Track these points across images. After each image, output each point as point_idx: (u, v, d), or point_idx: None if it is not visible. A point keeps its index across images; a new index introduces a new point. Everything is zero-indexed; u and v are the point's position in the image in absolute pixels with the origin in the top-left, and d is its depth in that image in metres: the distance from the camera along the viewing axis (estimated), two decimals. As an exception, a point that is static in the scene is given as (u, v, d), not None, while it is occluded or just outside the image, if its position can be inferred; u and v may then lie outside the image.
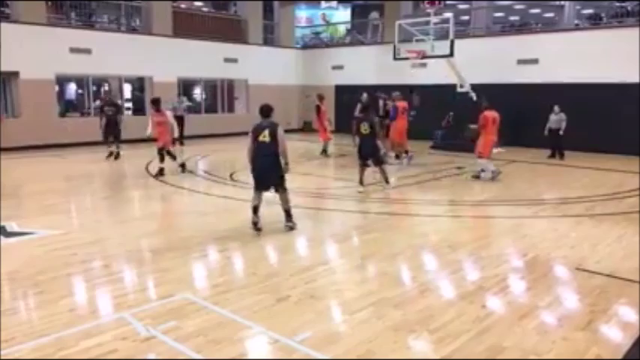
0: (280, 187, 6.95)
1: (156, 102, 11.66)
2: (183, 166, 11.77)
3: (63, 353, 3.66)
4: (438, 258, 5.98)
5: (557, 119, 14.00)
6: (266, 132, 6.75)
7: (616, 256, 5.96)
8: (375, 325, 4.12)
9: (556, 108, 14.05)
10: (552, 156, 14.35)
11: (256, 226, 6.84)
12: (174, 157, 11.61)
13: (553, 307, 4.52)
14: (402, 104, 13.23)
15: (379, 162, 9.75)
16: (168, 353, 3.68)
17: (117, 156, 13.83)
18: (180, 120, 17.55)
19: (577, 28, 17.89)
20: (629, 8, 16.92)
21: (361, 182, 9.78)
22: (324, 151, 14.78)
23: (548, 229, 7.21)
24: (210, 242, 6.50)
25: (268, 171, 6.86)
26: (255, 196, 6.93)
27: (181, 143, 17.47)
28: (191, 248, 6.20)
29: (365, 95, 14.10)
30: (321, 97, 14.85)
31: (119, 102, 17.21)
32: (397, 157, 13.44)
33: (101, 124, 13.72)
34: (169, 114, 11.66)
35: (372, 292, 4.83)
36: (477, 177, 11.04)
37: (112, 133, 13.79)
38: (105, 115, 13.65)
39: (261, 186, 6.93)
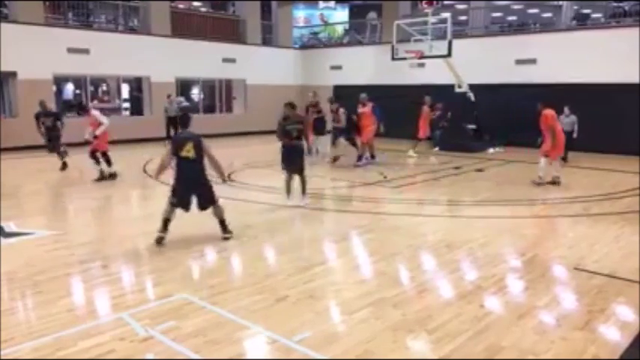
0: (213, 204, 6.45)
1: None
2: (113, 175, 10.81)
3: (61, 353, 3.66)
4: (436, 258, 5.99)
5: (569, 122, 13.18)
6: (189, 145, 6.12)
7: (614, 255, 5.97)
8: (374, 325, 4.12)
9: (566, 110, 13.23)
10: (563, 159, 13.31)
11: (161, 242, 6.22)
12: (108, 162, 10.82)
13: (551, 307, 4.53)
14: (372, 104, 13.04)
15: (300, 172, 8.52)
16: (166, 353, 3.68)
17: (63, 166, 12.08)
18: (173, 121, 16.99)
19: (575, 28, 17.93)
20: (626, 8, 16.97)
21: (288, 191, 8.63)
22: (312, 151, 14.72)
23: (546, 228, 7.22)
24: (209, 242, 6.49)
25: (197, 191, 6.30)
26: (170, 210, 6.27)
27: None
28: (189, 248, 6.19)
29: (311, 94, 14.56)
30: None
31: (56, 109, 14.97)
32: (372, 156, 13.29)
33: (41, 132, 12.14)
34: (95, 114, 10.62)
35: (371, 292, 4.83)
36: (538, 183, 10.21)
37: (55, 143, 12.18)
38: (43, 126, 12.01)
39: (182, 205, 6.30)
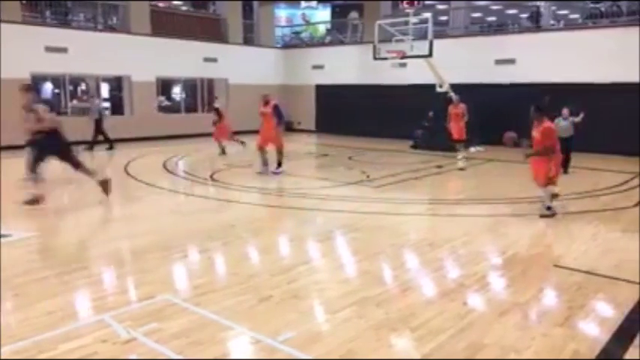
0: None
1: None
2: None
3: (42, 357, 3.60)
4: (419, 256, 6.03)
5: (567, 126, 11.27)
6: None
7: (592, 253, 6.08)
8: (357, 324, 4.13)
9: (565, 112, 11.39)
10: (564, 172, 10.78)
11: None
12: None
13: (532, 304, 4.60)
14: (274, 103, 11.35)
15: None
16: (149, 355, 3.64)
17: None
18: (97, 124, 15.77)
19: (552, 28, 18.21)
20: (602, 9, 17.28)
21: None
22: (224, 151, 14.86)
23: (526, 227, 7.31)
24: (191, 243, 6.45)
25: None
26: None
27: (91, 148, 15.60)
28: (172, 249, 6.14)
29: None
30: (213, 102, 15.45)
31: None
32: (265, 164, 11.53)
33: None
34: None
35: (354, 291, 4.84)
36: (549, 214, 7.78)
37: None
38: None
39: None
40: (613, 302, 4.61)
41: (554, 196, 7.83)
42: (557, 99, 14.65)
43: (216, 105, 15.76)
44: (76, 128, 15.84)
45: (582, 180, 10.90)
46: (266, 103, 11.38)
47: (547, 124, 7.61)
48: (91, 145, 15.76)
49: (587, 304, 4.55)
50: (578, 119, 11.25)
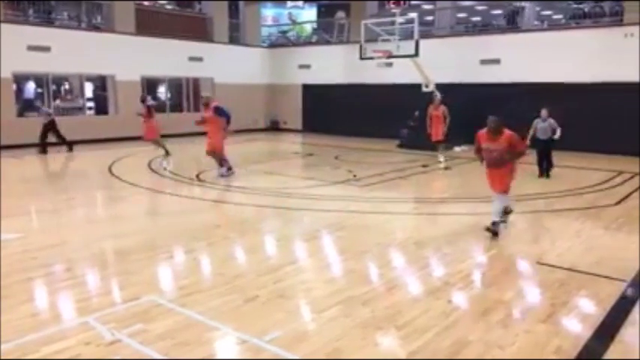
0: None
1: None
2: None
3: (25, 359, 3.57)
4: (404, 255, 6.06)
5: (545, 127, 10.91)
6: None
7: (575, 250, 6.16)
8: (344, 323, 4.15)
9: (544, 113, 10.97)
10: (542, 174, 11.15)
11: None
12: None
13: (516, 301, 4.65)
14: (214, 105, 10.85)
15: None
16: (134, 357, 3.62)
17: None
18: (44, 127, 15.15)
19: (535, 29, 18.39)
20: (585, 10, 17.49)
21: None
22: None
23: (510, 224, 7.37)
24: (177, 243, 6.42)
25: None
26: None
27: (70, 149, 15.32)
28: (157, 249, 6.11)
29: None
30: (143, 99, 14.60)
31: None
32: (222, 165, 11.10)
33: None
34: None
35: (341, 290, 4.86)
36: (495, 230, 6.65)
37: None
38: None
39: None
40: (595, 299, 4.68)
41: (508, 212, 6.96)
42: (541, 99, 14.82)
43: (150, 102, 14.99)
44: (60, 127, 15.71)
45: (565, 178, 11.03)
46: (206, 106, 10.88)
47: (508, 132, 6.68)
48: (69, 146, 15.43)
49: (569, 300, 4.61)
50: (557, 137, 11.07)
